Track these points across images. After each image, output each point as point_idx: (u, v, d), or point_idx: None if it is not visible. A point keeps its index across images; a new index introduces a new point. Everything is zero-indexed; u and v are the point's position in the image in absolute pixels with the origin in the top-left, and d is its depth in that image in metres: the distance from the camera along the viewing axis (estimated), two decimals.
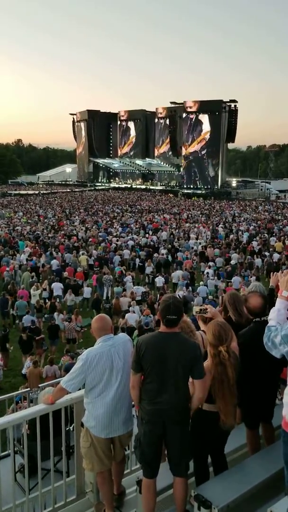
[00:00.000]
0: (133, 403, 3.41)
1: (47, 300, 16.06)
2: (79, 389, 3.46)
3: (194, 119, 69.87)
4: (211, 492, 2.98)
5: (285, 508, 2.55)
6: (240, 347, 3.39)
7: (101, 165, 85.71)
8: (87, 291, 17.31)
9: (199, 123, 69.52)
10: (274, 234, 29.60)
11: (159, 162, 78.52)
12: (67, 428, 4.19)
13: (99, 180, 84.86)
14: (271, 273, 4.05)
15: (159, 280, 18.31)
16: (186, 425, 3.10)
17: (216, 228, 32.11)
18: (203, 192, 65.01)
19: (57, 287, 16.87)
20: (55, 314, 14.36)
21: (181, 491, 3.16)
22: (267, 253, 23.35)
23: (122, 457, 3.66)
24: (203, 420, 3.19)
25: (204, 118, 68.75)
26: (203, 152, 69.88)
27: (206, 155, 69.51)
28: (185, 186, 70.45)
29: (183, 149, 72.13)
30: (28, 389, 6.95)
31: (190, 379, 3.08)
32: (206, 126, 68.88)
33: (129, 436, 3.60)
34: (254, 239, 27.63)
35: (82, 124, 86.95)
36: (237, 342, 3.41)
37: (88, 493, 3.77)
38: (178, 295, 16.00)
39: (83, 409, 3.48)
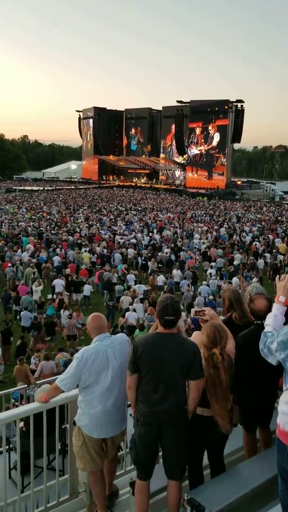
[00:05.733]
0: (129, 403, 3.36)
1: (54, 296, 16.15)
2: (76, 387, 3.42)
3: (200, 118, 69.70)
4: (204, 496, 2.93)
5: None
6: (239, 349, 3.34)
7: (106, 162, 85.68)
8: (87, 289, 17.31)
9: (205, 122, 69.36)
10: (278, 235, 29.50)
11: (165, 161, 78.41)
12: (63, 426, 4.16)
13: (104, 178, 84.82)
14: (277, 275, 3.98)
15: (160, 279, 18.28)
16: (182, 427, 3.05)
17: (220, 228, 32.01)
18: (208, 191, 64.85)
19: (59, 284, 16.87)
20: (62, 310, 14.40)
21: (175, 494, 3.12)
22: (268, 255, 23.26)
23: (114, 456, 3.62)
24: (196, 424, 3.14)
25: (210, 118, 68.58)
26: (208, 152, 69.75)
27: (212, 155, 69.39)
28: (189, 186, 70.30)
29: (189, 148, 72.03)
30: (25, 385, 6.95)
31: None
32: (211, 126, 68.75)
33: (122, 435, 3.57)
34: (257, 239, 27.56)
35: (88, 121, 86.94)
36: (236, 344, 3.37)
37: (81, 493, 3.73)
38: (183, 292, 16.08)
39: (77, 408, 3.44)
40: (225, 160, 68.74)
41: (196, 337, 3.27)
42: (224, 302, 4.13)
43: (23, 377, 9.93)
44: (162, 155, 79.47)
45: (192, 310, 3.55)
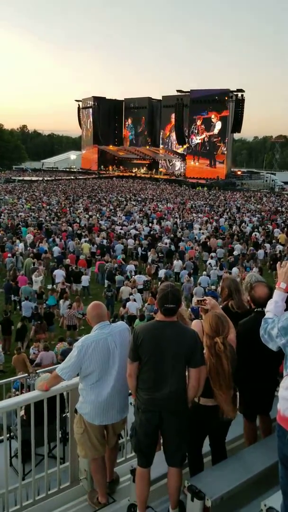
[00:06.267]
0: (129, 391, 3.37)
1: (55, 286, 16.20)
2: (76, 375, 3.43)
3: (200, 108, 69.19)
4: (205, 483, 2.95)
5: (279, 502, 2.52)
6: (240, 337, 3.34)
7: (105, 152, 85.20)
8: (85, 279, 17.32)
9: (205, 112, 68.88)
10: (278, 226, 29.48)
11: (165, 151, 78.00)
12: (63, 415, 4.18)
13: (103, 168, 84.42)
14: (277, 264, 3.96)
15: (161, 272, 18.26)
16: (183, 415, 3.07)
17: (220, 218, 31.94)
18: (208, 182, 64.62)
19: (59, 274, 16.88)
20: (61, 300, 14.41)
21: (175, 481, 3.14)
22: (268, 245, 23.24)
23: (115, 444, 3.65)
24: (199, 415, 3.16)
25: (210, 108, 68.11)
26: (208, 142, 69.37)
27: (212, 145, 69.01)
28: (189, 176, 70.02)
29: (190, 138, 71.60)
30: (26, 374, 6.98)
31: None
32: (212, 116, 68.30)
33: (123, 423, 3.59)
34: (257, 230, 27.56)
35: (88, 111, 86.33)
36: (237, 331, 3.37)
37: (82, 480, 3.76)
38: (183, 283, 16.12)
39: (78, 396, 3.45)
40: (225, 149, 68.38)
41: (196, 326, 3.28)
42: (222, 291, 4.12)
43: (22, 366, 9.97)
44: (161, 146, 78.96)
45: (194, 299, 3.56)
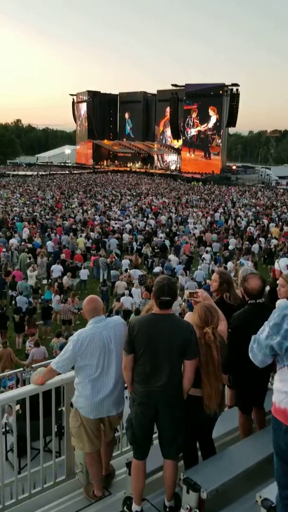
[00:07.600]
0: (125, 384, 3.37)
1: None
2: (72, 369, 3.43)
3: (195, 102, 68.90)
4: (200, 475, 2.96)
5: (274, 494, 2.53)
6: (234, 329, 3.34)
7: (100, 147, 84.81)
8: (84, 273, 17.28)
9: (200, 106, 68.61)
10: (272, 220, 29.55)
11: (159, 145, 77.77)
12: (59, 409, 4.18)
13: (98, 163, 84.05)
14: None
15: (158, 268, 18.22)
16: (178, 407, 3.07)
17: (215, 213, 31.94)
18: (203, 176, 64.51)
19: (57, 269, 16.82)
20: (53, 295, 14.38)
21: (171, 473, 3.15)
22: (263, 239, 23.30)
23: (111, 438, 3.65)
24: (188, 404, 3.16)
25: (206, 102, 67.81)
26: (203, 136, 69.18)
27: (207, 139, 68.83)
28: (184, 170, 69.86)
29: (184, 132, 71.36)
30: (21, 369, 6.97)
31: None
32: (207, 110, 68.04)
33: (119, 418, 3.59)
34: (251, 224, 27.61)
35: (82, 105, 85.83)
36: (231, 324, 3.36)
37: (77, 473, 3.77)
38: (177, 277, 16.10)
39: (74, 390, 3.45)
40: (220, 141, 68.16)
41: (190, 318, 3.28)
42: (219, 285, 4.08)
43: (7, 360, 9.89)
44: (156, 139, 78.61)
45: (186, 292, 3.54)
